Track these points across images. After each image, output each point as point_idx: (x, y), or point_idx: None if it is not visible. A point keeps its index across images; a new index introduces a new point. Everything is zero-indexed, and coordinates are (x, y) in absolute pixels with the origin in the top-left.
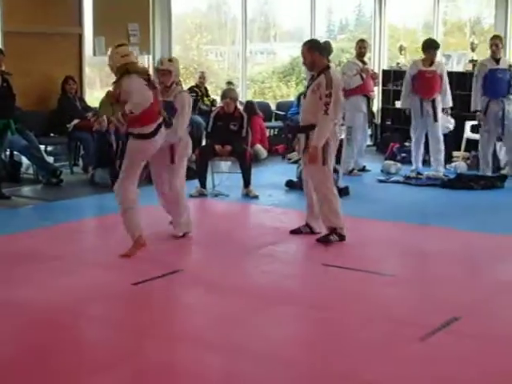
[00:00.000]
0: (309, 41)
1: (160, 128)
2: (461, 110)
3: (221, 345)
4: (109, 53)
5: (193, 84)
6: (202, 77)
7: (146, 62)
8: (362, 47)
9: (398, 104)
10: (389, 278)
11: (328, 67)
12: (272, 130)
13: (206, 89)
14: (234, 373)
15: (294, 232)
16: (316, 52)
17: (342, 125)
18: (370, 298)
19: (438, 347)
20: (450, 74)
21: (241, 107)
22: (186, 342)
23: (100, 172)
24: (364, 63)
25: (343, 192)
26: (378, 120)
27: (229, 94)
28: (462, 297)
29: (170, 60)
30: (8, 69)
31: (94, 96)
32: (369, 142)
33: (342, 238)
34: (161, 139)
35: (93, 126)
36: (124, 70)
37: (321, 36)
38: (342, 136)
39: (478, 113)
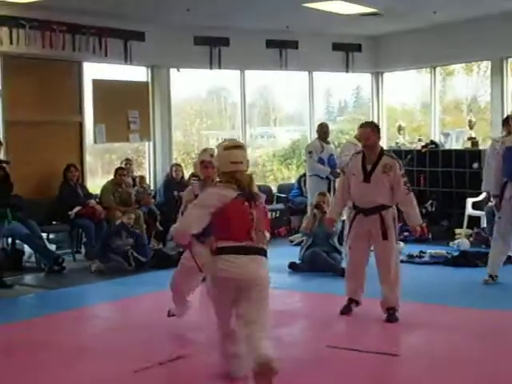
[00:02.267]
0: (371, 122)
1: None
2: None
3: None
4: (216, 152)
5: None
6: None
7: (147, 148)
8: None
9: None
10: (395, 358)
11: (383, 150)
12: (274, 213)
13: None
14: None
15: (345, 312)
16: (378, 133)
17: (345, 205)
18: (378, 379)
19: None
20: (449, 151)
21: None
22: None
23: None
24: None
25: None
26: None
27: None
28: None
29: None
30: (9, 157)
31: (95, 183)
32: None
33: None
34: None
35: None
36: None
37: (319, 118)
38: (344, 217)
39: (494, 198)
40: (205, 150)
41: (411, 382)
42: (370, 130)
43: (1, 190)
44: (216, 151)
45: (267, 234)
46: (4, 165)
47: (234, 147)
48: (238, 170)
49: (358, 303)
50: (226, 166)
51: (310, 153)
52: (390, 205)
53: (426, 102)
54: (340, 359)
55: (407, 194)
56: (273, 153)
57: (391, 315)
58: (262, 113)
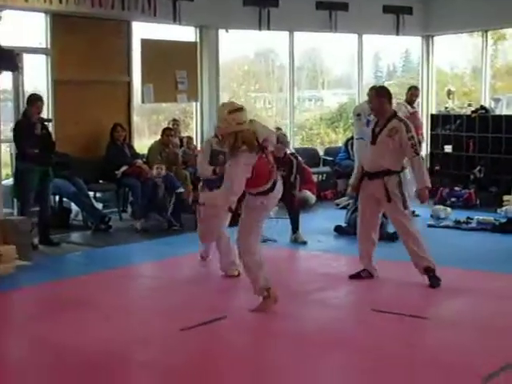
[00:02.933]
0: (376, 86)
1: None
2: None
3: None
4: (221, 114)
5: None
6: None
7: (194, 109)
8: (413, 95)
9: (447, 148)
10: (440, 323)
11: (396, 113)
12: (320, 176)
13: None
14: None
15: (354, 277)
16: (383, 98)
17: None
18: (421, 344)
19: None
20: (499, 117)
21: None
22: None
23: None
24: (413, 108)
25: (393, 237)
26: (427, 165)
27: (280, 139)
28: None
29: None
30: (57, 116)
31: (142, 144)
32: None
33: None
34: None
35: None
36: (234, 138)
37: (368, 82)
38: None
39: None
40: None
41: (456, 349)
42: (374, 93)
43: (43, 148)
44: (218, 114)
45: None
46: (46, 123)
47: (237, 110)
48: (243, 130)
49: (371, 274)
50: (232, 127)
51: (358, 115)
52: (394, 170)
53: (476, 67)
54: (384, 323)
55: (413, 156)
56: (320, 116)
57: (431, 278)
58: (310, 76)
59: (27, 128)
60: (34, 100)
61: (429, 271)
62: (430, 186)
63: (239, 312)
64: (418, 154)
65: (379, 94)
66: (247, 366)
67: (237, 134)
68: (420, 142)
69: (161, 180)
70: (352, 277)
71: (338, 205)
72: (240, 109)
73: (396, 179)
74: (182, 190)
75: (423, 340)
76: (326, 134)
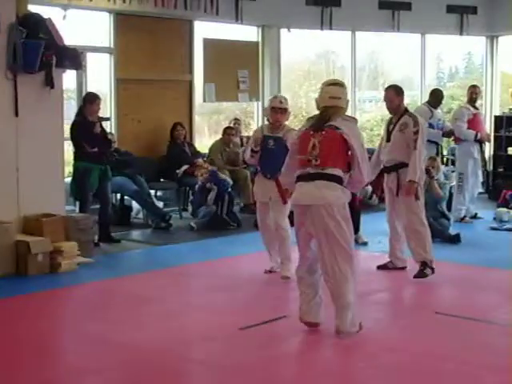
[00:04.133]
0: (394, 85)
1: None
2: None
3: None
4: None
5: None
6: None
7: (256, 108)
8: (473, 92)
9: (511, 150)
10: (501, 326)
11: (407, 109)
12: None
13: None
14: None
15: (381, 268)
16: (401, 96)
17: (452, 171)
18: (487, 348)
19: None
20: None
21: None
22: None
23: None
24: (476, 108)
25: (455, 239)
26: (490, 167)
27: None
28: None
29: (286, 99)
30: (119, 115)
31: (202, 143)
32: (480, 190)
33: (433, 270)
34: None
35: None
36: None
37: (429, 84)
38: (453, 183)
39: None
40: (275, 97)
41: None
42: (394, 92)
43: (101, 147)
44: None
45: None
46: (103, 122)
47: (333, 84)
48: (334, 106)
49: (395, 266)
50: (323, 101)
51: None
52: (407, 162)
53: None
54: (447, 326)
55: (413, 149)
56: (381, 117)
57: (420, 271)
58: (371, 77)
59: (85, 127)
60: (93, 98)
61: (423, 264)
62: (416, 181)
63: (297, 312)
64: (416, 148)
65: (399, 92)
66: (304, 369)
67: (326, 108)
68: (486, 142)
69: (211, 184)
70: (379, 267)
71: None
72: (336, 84)
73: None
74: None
75: (487, 344)
76: None
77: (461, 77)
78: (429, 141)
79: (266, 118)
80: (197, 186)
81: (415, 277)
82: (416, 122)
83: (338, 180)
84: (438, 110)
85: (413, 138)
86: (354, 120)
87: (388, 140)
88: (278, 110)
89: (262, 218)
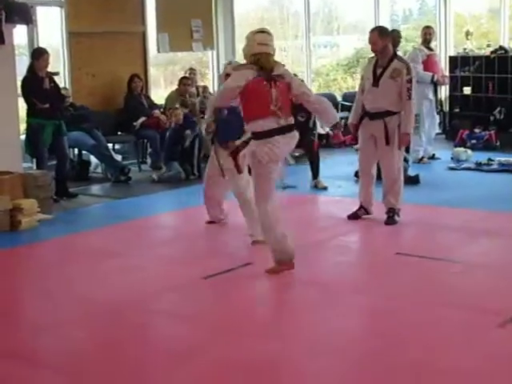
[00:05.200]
0: (378, 27)
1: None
2: None
3: (295, 339)
4: (247, 36)
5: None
6: None
7: (210, 57)
8: (427, 33)
9: (466, 90)
10: (463, 265)
11: (396, 53)
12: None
13: None
14: (311, 368)
15: (352, 217)
16: (387, 37)
17: None
18: (444, 285)
19: None
20: None
21: None
22: (258, 336)
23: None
24: (431, 50)
25: (414, 180)
26: (446, 107)
27: None
28: None
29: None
30: (73, 69)
31: (158, 95)
32: (437, 130)
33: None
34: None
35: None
36: (251, 60)
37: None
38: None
39: None
40: (229, 63)
41: (480, 288)
42: (378, 34)
43: (53, 102)
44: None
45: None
46: (53, 76)
47: (261, 31)
48: (263, 52)
49: (367, 212)
50: (253, 48)
51: None
52: (395, 111)
53: (493, 8)
54: (408, 266)
55: (407, 99)
56: (336, 62)
57: (390, 218)
58: (325, 22)
59: (35, 83)
60: (41, 54)
61: (391, 211)
62: (410, 132)
63: (262, 259)
64: (410, 98)
65: (382, 33)
66: (269, 313)
67: (256, 55)
68: (444, 84)
69: (188, 131)
70: (350, 217)
71: (357, 150)
72: (264, 31)
73: (397, 120)
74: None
75: (447, 282)
76: (343, 79)
77: (415, 18)
78: None
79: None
80: (168, 134)
81: (386, 223)
82: (409, 69)
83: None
84: (398, 52)
85: (406, 87)
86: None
87: (375, 85)
88: None
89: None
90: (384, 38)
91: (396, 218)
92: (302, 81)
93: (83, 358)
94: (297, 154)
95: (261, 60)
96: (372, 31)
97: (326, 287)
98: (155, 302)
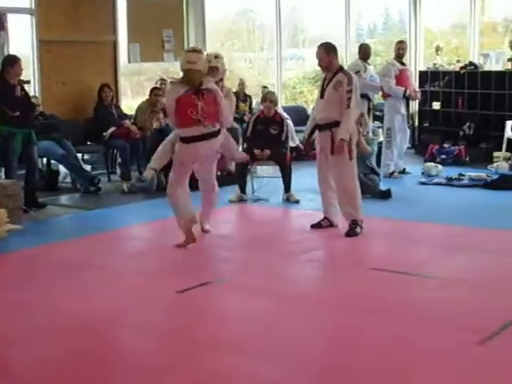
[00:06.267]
0: (324, 43)
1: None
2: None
3: (270, 354)
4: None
5: (232, 90)
6: (242, 83)
7: (179, 68)
8: (400, 48)
9: (436, 105)
10: (438, 280)
11: (342, 67)
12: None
13: (245, 95)
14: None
15: (315, 226)
16: (332, 53)
17: (379, 127)
18: (421, 302)
19: (498, 352)
20: (489, 73)
21: (281, 111)
22: (234, 351)
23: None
24: (403, 64)
25: (386, 194)
26: (415, 122)
27: (268, 97)
28: None
29: (217, 56)
30: (43, 78)
31: (125, 105)
32: (408, 145)
33: (362, 229)
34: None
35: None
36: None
37: (349, 41)
38: (381, 138)
39: None
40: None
41: (458, 305)
42: (323, 50)
43: (24, 110)
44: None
45: (226, 118)
46: (24, 85)
47: (191, 51)
48: (192, 69)
49: (331, 223)
50: (183, 65)
51: (357, 72)
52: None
53: (461, 24)
54: (381, 281)
55: (345, 108)
56: (303, 75)
57: (351, 229)
58: (291, 34)
59: (6, 90)
60: (13, 61)
61: (354, 222)
62: (347, 140)
63: (234, 273)
64: (349, 106)
65: (328, 50)
66: (244, 327)
67: (185, 71)
68: (416, 99)
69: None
70: (313, 226)
71: None
72: (194, 50)
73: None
74: None
75: (422, 297)
76: (309, 92)
77: (380, 33)
78: (361, 95)
79: None
80: (149, 139)
81: (347, 235)
82: (350, 80)
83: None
84: (371, 66)
85: (346, 96)
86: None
87: (322, 97)
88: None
89: None
90: (329, 54)
91: (357, 229)
92: (248, 97)
93: (53, 371)
94: (269, 167)
95: (188, 76)
96: (319, 47)
97: (300, 301)
98: (128, 315)
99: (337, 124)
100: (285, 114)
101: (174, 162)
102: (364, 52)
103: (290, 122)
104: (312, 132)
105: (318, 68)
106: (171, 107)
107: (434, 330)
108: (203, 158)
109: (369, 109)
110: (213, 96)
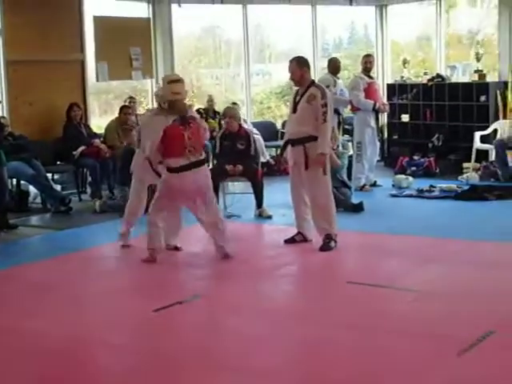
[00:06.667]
0: (297, 57)
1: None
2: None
3: (249, 368)
4: (162, 84)
5: (201, 106)
6: (211, 100)
7: (150, 85)
8: (367, 62)
9: (404, 118)
10: (413, 293)
11: (314, 81)
12: (279, 149)
13: (215, 111)
14: None
15: (288, 241)
16: (304, 67)
17: (349, 141)
18: (398, 314)
19: (476, 362)
20: (456, 85)
21: (246, 125)
22: (212, 367)
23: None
24: (371, 78)
25: (358, 208)
26: (384, 135)
27: (228, 112)
28: (494, 310)
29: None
30: (10, 98)
31: (93, 123)
32: (377, 158)
33: (336, 243)
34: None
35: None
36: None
37: (314, 54)
38: (351, 152)
39: None
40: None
41: (435, 317)
42: (296, 64)
43: None
44: (161, 84)
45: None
46: None
47: (175, 81)
48: (177, 99)
49: (305, 238)
50: (168, 96)
51: (327, 87)
52: (314, 135)
53: (428, 36)
54: (360, 295)
55: (322, 123)
56: (270, 90)
57: (325, 244)
58: (258, 49)
59: None
60: None
61: (328, 237)
62: (326, 152)
63: (209, 290)
64: (326, 121)
65: (301, 63)
66: (223, 344)
67: (171, 102)
68: (385, 111)
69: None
70: (287, 241)
71: None
72: (177, 80)
73: (316, 145)
74: None
75: (398, 310)
76: (276, 107)
77: (345, 47)
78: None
79: (157, 103)
80: (120, 155)
81: (321, 249)
82: (324, 94)
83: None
84: (340, 80)
85: (322, 111)
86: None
87: (294, 111)
88: None
89: None
90: (301, 68)
91: (332, 244)
92: (217, 113)
93: None
94: (240, 183)
95: (176, 107)
96: (291, 61)
97: (276, 316)
98: (103, 336)
99: (310, 138)
100: (254, 129)
101: (159, 189)
102: (333, 66)
103: (259, 137)
104: (285, 147)
105: (284, 83)
106: (158, 138)
107: (411, 342)
108: (192, 191)
109: (339, 122)
110: (197, 125)
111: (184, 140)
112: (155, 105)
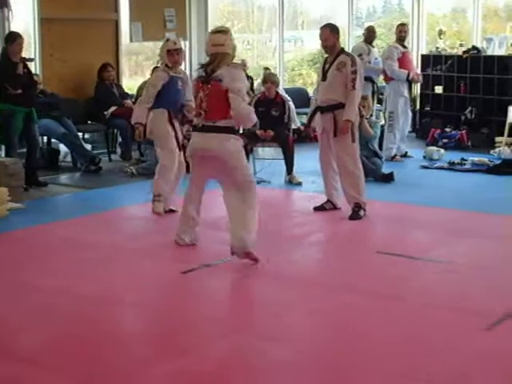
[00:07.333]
0: (330, 24)
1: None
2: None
3: (278, 337)
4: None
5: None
6: (244, 64)
7: (183, 47)
8: (402, 31)
9: (438, 89)
10: (446, 264)
11: (343, 49)
12: None
13: (247, 76)
14: (293, 369)
15: (318, 209)
16: (337, 35)
17: (381, 110)
18: (429, 286)
19: (505, 337)
20: (492, 57)
21: (283, 93)
22: (240, 333)
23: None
24: (405, 47)
25: (388, 178)
26: (417, 106)
27: (270, 78)
28: None
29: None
30: (44, 55)
31: (124, 85)
32: (409, 128)
33: (365, 212)
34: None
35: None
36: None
37: (346, 23)
38: (382, 122)
39: None
40: (167, 40)
41: (466, 289)
42: (329, 31)
43: (26, 88)
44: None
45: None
46: (27, 63)
47: (216, 32)
48: (219, 52)
49: (334, 206)
50: (209, 49)
51: (360, 55)
52: (345, 102)
53: (463, 8)
54: (390, 265)
55: (351, 90)
56: (301, 57)
57: (355, 213)
58: (290, 17)
59: (8, 68)
60: (13, 38)
61: (357, 206)
62: (353, 121)
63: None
64: (354, 88)
65: (334, 31)
66: (251, 309)
67: (211, 55)
68: (418, 82)
69: None
70: (316, 209)
71: None
72: (219, 31)
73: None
74: None
75: (428, 281)
76: (307, 75)
77: (379, 16)
78: (365, 78)
79: (161, 62)
80: None
81: (350, 218)
82: (354, 62)
83: (228, 130)
84: (375, 48)
85: (351, 78)
86: (241, 65)
87: (324, 79)
88: (174, 52)
89: None
90: (334, 35)
91: (361, 212)
92: (250, 78)
93: (55, 352)
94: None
95: (215, 62)
96: (324, 27)
97: (304, 284)
98: (127, 294)
99: (339, 106)
100: (286, 96)
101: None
102: (369, 35)
103: (291, 103)
104: (313, 115)
105: (316, 51)
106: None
107: (440, 315)
108: (209, 157)
109: (373, 92)
110: (218, 87)
111: (197, 100)
112: (190, 66)
